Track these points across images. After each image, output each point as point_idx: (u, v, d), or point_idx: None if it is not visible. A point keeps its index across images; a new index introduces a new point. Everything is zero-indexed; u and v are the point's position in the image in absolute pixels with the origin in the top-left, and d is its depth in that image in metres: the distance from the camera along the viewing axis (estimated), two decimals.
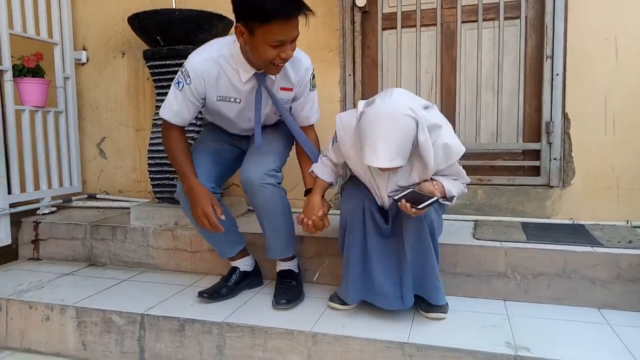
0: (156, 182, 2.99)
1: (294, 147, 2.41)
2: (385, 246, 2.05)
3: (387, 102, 1.81)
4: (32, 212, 3.19)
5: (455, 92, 2.98)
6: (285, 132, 2.38)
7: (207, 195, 2.10)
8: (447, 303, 2.10)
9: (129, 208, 3.02)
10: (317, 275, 2.51)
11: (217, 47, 2.11)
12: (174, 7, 3.08)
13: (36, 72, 3.09)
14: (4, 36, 2.91)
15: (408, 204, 1.86)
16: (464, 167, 2.06)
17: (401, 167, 1.83)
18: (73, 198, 3.50)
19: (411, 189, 1.94)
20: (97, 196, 3.63)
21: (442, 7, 2.96)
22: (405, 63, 3.06)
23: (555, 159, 2.77)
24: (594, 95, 2.70)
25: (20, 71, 3.02)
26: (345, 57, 3.09)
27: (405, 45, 3.04)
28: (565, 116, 2.75)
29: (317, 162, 2.25)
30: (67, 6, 3.42)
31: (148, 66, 3.00)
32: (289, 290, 2.26)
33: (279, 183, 2.20)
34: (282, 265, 2.36)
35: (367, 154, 1.80)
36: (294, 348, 1.97)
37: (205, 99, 2.17)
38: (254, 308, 2.22)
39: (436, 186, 1.96)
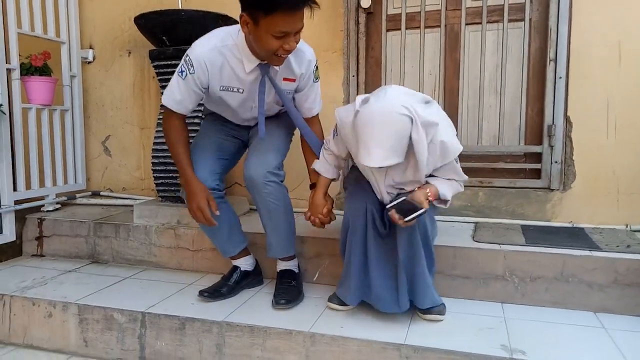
0: (160, 181, 3.01)
1: (297, 141, 2.42)
2: (383, 250, 2.06)
3: (381, 101, 1.80)
4: (37, 209, 3.22)
5: (458, 93, 2.98)
6: (285, 123, 2.40)
7: (202, 191, 2.13)
8: (444, 305, 2.12)
9: (132, 206, 3.05)
10: (317, 275, 2.53)
11: (222, 37, 2.10)
12: (180, 7, 3.10)
13: (43, 70, 3.12)
14: (12, 35, 2.95)
15: (397, 215, 1.88)
16: (465, 168, 2.06)
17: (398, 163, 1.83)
18: (77, 195, 3.54)
19: (403, 197, 1.94)
20: (101, 194, 3.66)
21: (446, 9, 2.97)
22: (409, 64, 3.06)
23: (556, 162, 2.77)
24: (596, 99, 2.70)
25: (27, 70, 3.06)
26: (349, 58, 3.10)
27: (409, 46, 3.05)
28: (567, 119, 2.75)
29: (319, 153, 2.27)
30: (74, 5, 3.45)
31: (154, 66, 3.02)
32: (288, 291, 2.28)
33: (282, 181, 2.22)
34: (283, 265, 2.38)
35: (362, 154, 1.81)
36: (292, 348, 1.99)
37: (208, 88, 2.17)
38: (254, 307, 2.24)
39: (429, 193, 1.96)
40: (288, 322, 2.06)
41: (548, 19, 2.76)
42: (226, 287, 2.36)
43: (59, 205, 3.35)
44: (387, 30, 3.09)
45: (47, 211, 3.24)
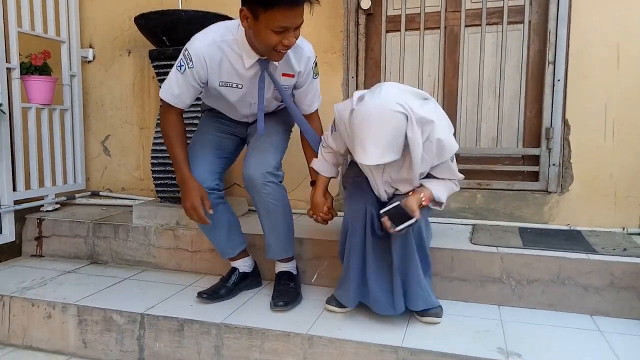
0: (159, 182, 3.02)
1: (296, 137, 2.43)
2: (380, 252, 2.06)
3: (376, 98, 1.80)
4: (36, 209, 3.22)
5: (457, 95, 2.99)
6: (284, 120, 2.41)
7: (197, 189, 2.13)
8: (441, 307, 2.13)
9: (131, 206, 3.05)
10: (315, 277, 2.54)
11: (221, 32, 2.09)
12: (180, 7, 3.11)
13: (43, 70, 3.12)
14: (12, 34, 2.95)
15: (389, 223, 1.90)
16: (463, 170, 2.07)
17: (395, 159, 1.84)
18: (76, 195, 3.54)
19: (397, 203, 1.95)
20: (101, 194, 3.67)
21: (446, 11, 2.98)
22: (408, 66, 3.07)
23: (554, 164, 2.78)
24: (594, 102, 2.71)
25: (27, 69, 3.06)
26: (349, 59, 3.11)
27: (409, 48, 3.05)
28: (565, 122, 2.76)
29: (318, 149, 2.29)
30: (74, 4, 3.45)
31: (154, 66, 3.02)
32: (286, 292, 2.29)
33: (280, 181, 2.22)
34: (281, 267, 2.39)
35: (358, 151, 1.82)
36: (290, 350, 2.00)
37: (206, 83, 2.17)
38: (252, 309, 2.25)
39: (424, 197, 1.97)
40: (286, 324, 2.07)
41: (547, 22, 2.77)
42: (225, 288, 2.36)
43: (58, 205, 3.36)
44: (387, 32, 3.09)
45: (47, 211, 3.24)
